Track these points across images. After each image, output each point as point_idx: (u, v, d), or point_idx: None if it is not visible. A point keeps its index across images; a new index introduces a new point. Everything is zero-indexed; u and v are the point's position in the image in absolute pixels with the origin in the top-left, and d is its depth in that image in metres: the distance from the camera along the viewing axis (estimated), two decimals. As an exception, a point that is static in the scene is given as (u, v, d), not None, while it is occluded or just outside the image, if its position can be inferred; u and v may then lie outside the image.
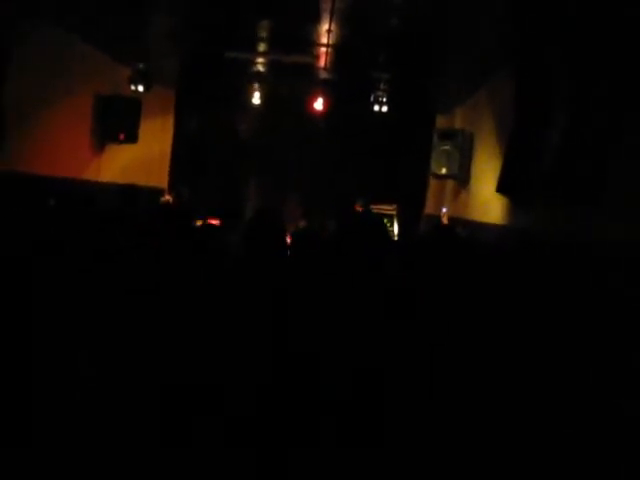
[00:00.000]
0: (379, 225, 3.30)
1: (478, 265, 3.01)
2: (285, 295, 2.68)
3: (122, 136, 8.54)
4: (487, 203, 6.61)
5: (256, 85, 8.97)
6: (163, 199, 8.12)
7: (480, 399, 2.21)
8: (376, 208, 8.72)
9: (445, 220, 7.78)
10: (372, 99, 7.51)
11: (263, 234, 3.57)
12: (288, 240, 4.74)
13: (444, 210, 8.04)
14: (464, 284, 2.74)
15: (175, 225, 3.35)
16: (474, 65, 6.82)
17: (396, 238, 8.52)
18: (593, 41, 3.96)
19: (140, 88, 7.99)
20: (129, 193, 5.00)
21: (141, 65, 7.92)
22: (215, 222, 5.78)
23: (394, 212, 8.76)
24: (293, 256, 3.30)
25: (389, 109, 7.66)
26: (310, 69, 7.94)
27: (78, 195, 5.67)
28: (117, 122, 8.44)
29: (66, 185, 7.24)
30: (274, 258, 3.14)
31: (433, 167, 8.52)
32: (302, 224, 8.23)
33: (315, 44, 6.86)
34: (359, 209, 8.38)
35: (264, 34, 6.94)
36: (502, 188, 5.65)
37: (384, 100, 7.37)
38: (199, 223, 5.87)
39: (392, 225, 8.64)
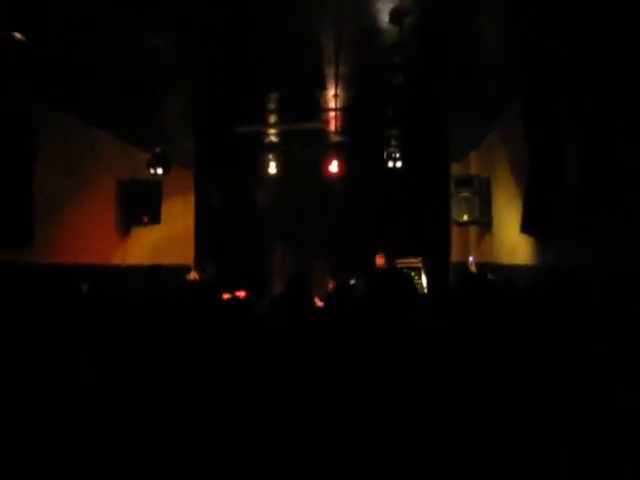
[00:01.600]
0: (407, 281, 3.29)
1: (514, 311, 2.97)
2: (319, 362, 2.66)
3: (146, 218, 8.73)
4: (513, 244, 6.56)
5: (271, 155, 9.17)
6: (189, 276, 8.20)
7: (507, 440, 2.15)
8: (402, 262, 8.70)
9: (474, 269, 7.70)
10: (385, 156, 7.60)
11: (294, 301, 3.58)
12: (318, 303, 4.72)
13: (471, 259, 7.97)
14: (502, 334, 2.70)
15: (202, 300, 3.38)
16: (482, 110, 6.91)
17: (426, 291, 8.44)
18: (600, 73, 4.00)
19: (159, 171, 8.21)
20: (154, 274, 5.07)
21: (158, 148, 8.16)
22: (242, 294, 5.80)
23: (420, 264, 8.71)
24: (327, 318, 3.30)
25: (403, 163, 7.73)
26: (322, 134, 8.11)
27: (108, 281, 5.78)
28: (140, 205, 8.65)
29: (96, 271, 7.37)
30: (305, 323, 3.14)
31: (454, 215, 8.52)
32: (331, 286, 8.22)
33: (324, 109, 7.04)
34: (380, 261, 8.35)
35: (273, 106, 7.14)
36: (526, 227, 5.61)
37: (397, 156, 7.44)
38: (227, 296, 5.90)
39: (420, 278, 8.57)
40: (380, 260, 8.49)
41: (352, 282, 7.38)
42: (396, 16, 4.32)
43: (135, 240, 8.87)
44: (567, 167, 4.46)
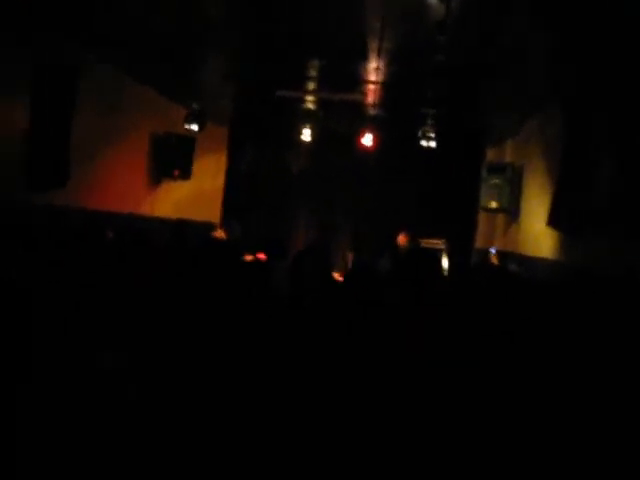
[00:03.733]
0: (435, 261, 3.32)
1: (531, 306, 2.98)
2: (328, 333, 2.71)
3: (177, 172, 8.83)
4: (538, 237, 6.51)
5: (306, 122, 9.15)
6: (214, 234, 8.29)
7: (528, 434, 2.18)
8: (425, 242, 8.68)
9: (495, 260, 7.63)
10: (420, 134, 7.54)
11: (308, 271, 3.62)
12: (338, 277, 4.77)
13: (493, 251, 7.92)
14: (516, 323, 2.72)
15: (224, 259, 3.44)
16: (523, 98, 6.81)
17: (445, 273, 8.43)
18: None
19: (194, 127, 8.27)
20: (179, 228, 5.16)
21: (195, 105, 8.20)
22: (263, 257, 5.88)
23: (443, 247, 8.69)
24: (347, 291, 3.34)
25: (437, 144, 7.68)
26: (359, 106, 8.07)
27: (133, 230, 5.89)
28: (172, 159, 8.75)
29: (123, 220, 7.50)
30: (318, 294, 3.19)
31: (483, 201, 8.45)
32: (350, 259, 8.27)
33: (364, 82, 6.99)
34: (403, 241, 8.30)
35: (314, 73, 7.12)
36: (553, 221, 5.57)
37: (432, 136, 7.39)
38: (249, 257, 6.00)
39: (441, 260, 8.56)
40: (403, 239, 8.47)
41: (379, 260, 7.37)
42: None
43: (164, 193, 8.99)
44: (602, 167, 4.40)
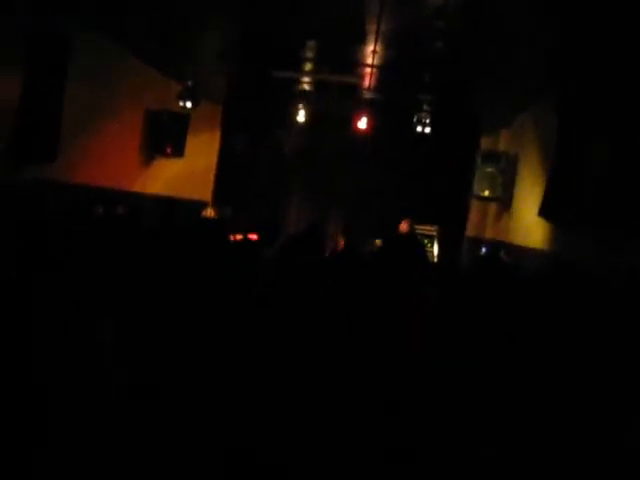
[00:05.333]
0: (419, 246, 3.31)
1: (519, 295, 2.99)
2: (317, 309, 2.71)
3: (169, 150, 8.75)
4: (529, 227, 6.52)
5: (301, 103, 9.08)
6: (205, 213, 8.27)
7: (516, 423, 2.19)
8: (417, 228, 8.69)
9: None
10: (415, 120, 7.53)
11: (303, 251, 3.61)
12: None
13: (484, 250, 7.95)
14: (503, 314, 2.73)
15: (211, 238, 3.43)
16: (519, 87, 6.78)
17: (436, 260, 8.46)
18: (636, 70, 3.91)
19: (188, 104, 8.19)
20: (170, 207, 5.13)
21: (190, 82, 8.12)
22: (254, 236, 5.87)
23: (435, 233, 8.70)
24: (334, 273, 3.34)
25: (432, 130, 7.66)
26: (355, 89, 8.01)
27: (124, 207, 5.85)
28: (165, 136, 8.66)
29: (113, 195, 7.45)
30: (309, 275, 3.18)
31: (476, 189, 8.45)
32: (341, 242, 8.26)
33: (360, 64, 6.93)
34: (404, 227, 8.30)
35: (311, 54, 7.05)
36: (544, 212, 5.57)
37: (427, 122, 7.39)
38: (239, 237, 5.98)
39: (432, 246, 8.58)
40: (405, 226, 8.45)
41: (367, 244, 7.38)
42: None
43: (156, 170, 8.92)
44: (595, 160, 4.39)
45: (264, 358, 2.41)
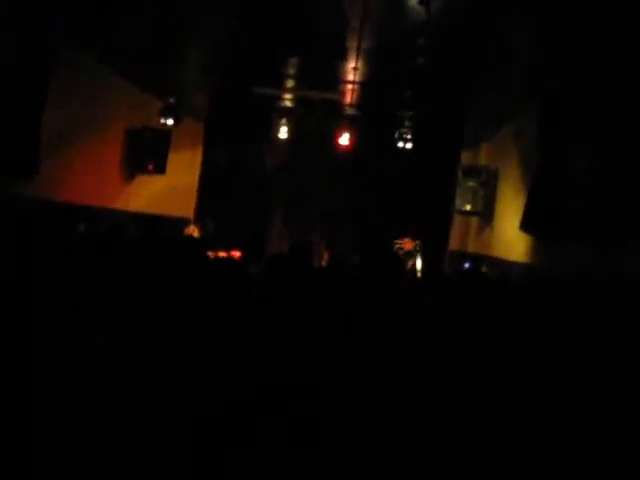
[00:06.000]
0: (397, 264, 3.33)
1: (502, 309, 3.01)
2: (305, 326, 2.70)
3: (151, 167, 8.72)
4: (511, 241, 6.58)
5: (283, 120, 9.11)
6: (187, 230, 8.23)
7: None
8: (399, 243, 8.71)
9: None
10: (396, 136, 7.58)
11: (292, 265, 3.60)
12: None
13: (467, 265, 8.00)
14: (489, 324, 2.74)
15: (190, 258, 3.40)
16: (500, 101, 6.86)
17: (419, 274, 8.47)
18: (617, 82, 3.97)
19: (170, 121, 8.18)
20: (153, 224, 5.09)
21: (172, 99, 8.12)
22: (237, 254, 5.85)
23: (418, 247, 8.72)
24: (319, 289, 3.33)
25: (414, 145, 7.72)
26: (336, 105, 8.06)
27: (106, 224, 5.80)
28: (146, 153, 8.64)
29: (96, 213, 7.39)
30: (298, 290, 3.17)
31: (457, 203, 8.52)
32: (326, 256, 8.27)
33: (342, 81, 6.98)
34: (410, 245, 8.28)
35: (292, 71, 7.09)
36: (526, 225, 5.62)
37: (408, 137, 7.45)
38: (222, 254, 5.95)
39: (415, 261, 8.59)
40: (409, 244, 8.41)
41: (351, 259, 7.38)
42: (425, -3, 4.27)
43: (138, 187, 8.88)
44: (576, 173, 4.45)
45: (256, 371, 2.39)
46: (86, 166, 7.52)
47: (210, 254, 4.74)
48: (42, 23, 5.97)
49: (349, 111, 8.19)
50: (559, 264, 5.01)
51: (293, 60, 6.67)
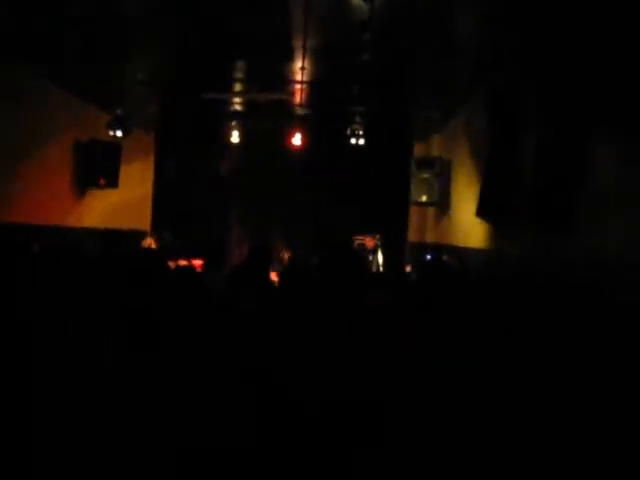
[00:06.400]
0: (358, 261, 3.35)
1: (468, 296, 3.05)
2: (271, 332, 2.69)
3: (102, 181, 8.55)
4: (468, 228, 6.69)
5: (234, 124, 9.06)
6: (144, 242, 8.11)
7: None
8: (359, 239, 8.78)
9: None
10: (349, 132, 7.61)
11: (250, 273, 3.58)
12: (274, 277, 4.75)
13: (429, 257, 8.11)
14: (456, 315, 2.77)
15: (151, 269, 3.36)
16: (447, 93, 6.96)
17: (381, 269, 8.55)
18: (563, 70, 4.08)
19: (119, 133, 8.04)
20: (110, 239, 4.99)
21: (119, 110, 7.98)
22: (199, 262, 5.80)
23: (378, 242, 8.80)
24: (281, 293, 3.32)
25: (366, 140, 7.77)
26: (286, 106, 8.05)
27: (61, 242, 5.67)
28: (97, 167, 8.46)
29: (49, 232, 7.22)
30: (259, 295, 3.16)
31: (413, 195, 8.62)
32: (286, 257, 8.26)
33: (290, 81, 6.98)
34: (372, 243, 8.37)
35: (239, 74, 7.06)
36: (481, 212, 5.72)
37: (360, 133, 7.49)
38: (183, 263, 5.89)
39: (376, 255, 8.66)
40: (370, 242, 8.51)
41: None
42: (367, -7, 4.30)
43: (91, 202, 8.70)
44: (526, 157, 4.55)
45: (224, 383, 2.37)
46: (35, 184, 7.33)
47: (171, 264, 4.68)
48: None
49: (299, 111, 8.20)
50: (513, 247, 5.12)
51: (240, 63, 6.63)
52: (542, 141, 4.25)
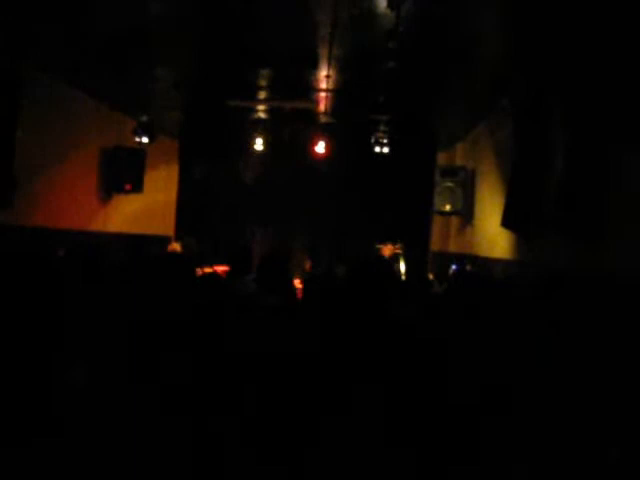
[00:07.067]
0: (389, 273, 3.32)
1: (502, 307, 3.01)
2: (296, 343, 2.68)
3: (128, 186, 8.65)
4: (492, 238, 6.62)
5: (258, 131, 9.10)
6: (170, 247, 8.15)
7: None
8: (383, 247, 8.73)
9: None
10: (373, 141, 7.60)
11: (270, 280, 3.58)
12: (296, 284, 4.73)
13: (454, 268, 8.03)
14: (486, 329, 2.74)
15: (178, 275, 3.37)
16: (472, 102, 6.93)
17: (403, 277, 8.49)
18: (592, 77, 4.03)
19: (144, 139, 8.12)
20: (136, 244, 5.03)
21: (144, 117, 8.06)
22: (222, 269, 5.81)
23: (400, 251, 8.75)
24: (305, 303, 3.31)
25: (390, 149, 7.76)
26: (311, 114, 8.08)
27: (86, 247, 5.72)
28: (123, 173, 8.57)
29: (74, 237, 7.31)
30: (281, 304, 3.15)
31: (437, 204, 8.56)
32: (308, 266, 8.25)
33: (315, 90, 7.00)
34: (389, 251, 8.29)
35: (264, 82, 7.08)
36: (507, 222, 5.67)
37: (384, 141, 7.48)
38: (207, 270, 5.90)
39: (398, 264, 8.61)
40: (388, 251, 8.43)
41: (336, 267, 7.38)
42: (394, 1, 4.30)
43: (116, 208, 8.79)
44: (553, 167, 4.49)
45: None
46: (62, 190, 7.44)
47: (198, 270, 4.70)
48: (8, 52, 5.92)
49: (324, 119, 8.22)
50: (542, 258, 5.05)
51: (265, 71, 6.66)
52: (571, 150, 4.20)
